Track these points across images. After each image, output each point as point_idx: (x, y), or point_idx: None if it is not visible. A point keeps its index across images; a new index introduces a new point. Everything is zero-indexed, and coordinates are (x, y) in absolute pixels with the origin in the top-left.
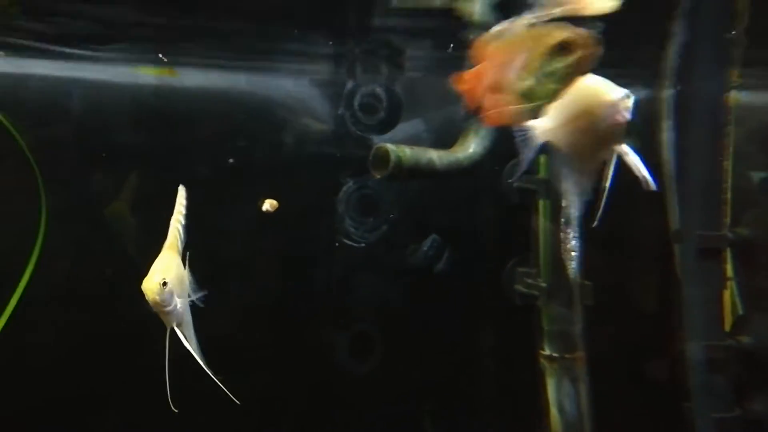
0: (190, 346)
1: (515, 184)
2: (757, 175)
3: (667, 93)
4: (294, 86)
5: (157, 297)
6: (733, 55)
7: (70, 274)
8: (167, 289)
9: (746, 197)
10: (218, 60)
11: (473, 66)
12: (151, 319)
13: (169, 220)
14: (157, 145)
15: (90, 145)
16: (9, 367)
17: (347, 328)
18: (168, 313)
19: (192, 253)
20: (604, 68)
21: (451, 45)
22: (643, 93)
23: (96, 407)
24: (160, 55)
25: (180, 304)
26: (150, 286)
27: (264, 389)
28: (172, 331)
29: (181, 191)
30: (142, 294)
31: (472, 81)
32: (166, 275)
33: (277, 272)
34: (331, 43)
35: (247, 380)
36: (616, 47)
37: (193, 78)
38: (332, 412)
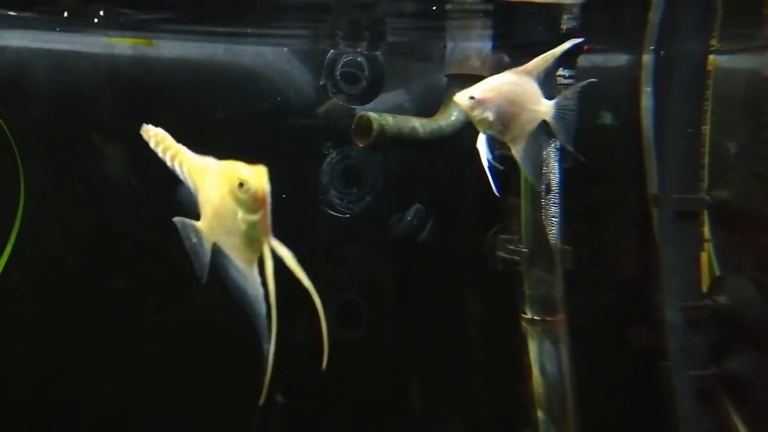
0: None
1: (496, 152)
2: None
3: (648, 59)
4: (273, 55)
5: None
6: (713, 20)
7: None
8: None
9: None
10: (196, 29)
11: None
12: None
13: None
14: (133, 117)
15: (64, 119)
16: None
17: (332, 298)
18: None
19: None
20: (587, 35)
21: (434, 7)
22: (625, 59)
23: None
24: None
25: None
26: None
27: (246, 360)
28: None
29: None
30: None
31: None
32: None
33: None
34: (310, 10)
35: (228, 351)
36: (598, 14)
37: (170, 48)
38: (317, 382)
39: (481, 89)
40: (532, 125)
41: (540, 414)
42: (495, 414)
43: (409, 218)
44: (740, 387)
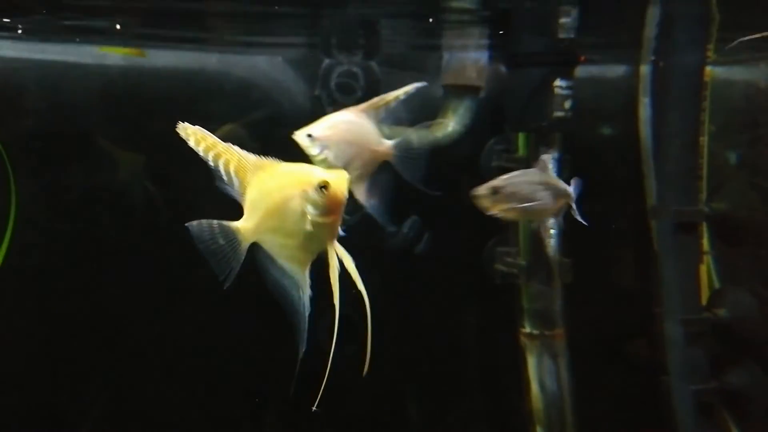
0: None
1: (494, 164)
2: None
3: (646, 70)
4: (268, 65)
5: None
6: (710, 31)
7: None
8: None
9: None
10: (189, 39)
11: None
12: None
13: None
14: (127, 128)
15: (58, 130)
16: None
17: (327, 312)
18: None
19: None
20: (585, 47)
21: (430, 19)
22: (622, 70)
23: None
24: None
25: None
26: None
27: (246, 371)
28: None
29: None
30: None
31: None
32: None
33: (253, 257)
34: (306, 20)
35: (228, 362)
36: (596, 26)
37: (162, 58)
38: (315, 395)
39: (319, 127)
40: (372, 166)
41: (539, 430)
42: (495, 429)
43: (405, 230)
44: (740, 401)
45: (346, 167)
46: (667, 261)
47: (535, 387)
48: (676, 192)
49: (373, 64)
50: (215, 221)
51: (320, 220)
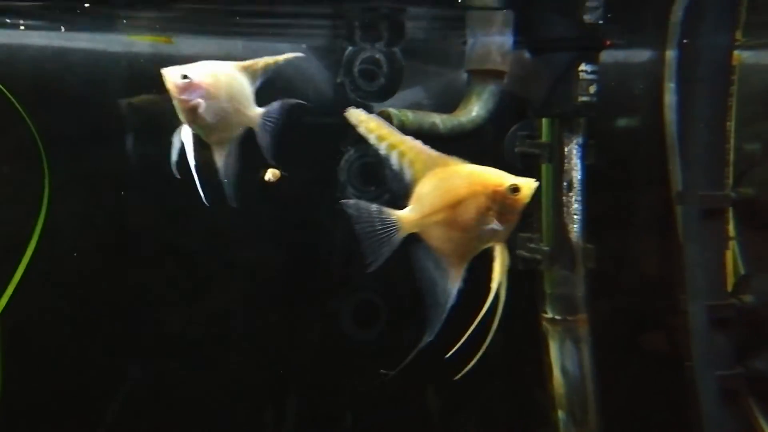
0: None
1: (517, 149)
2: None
3: (671, 55)
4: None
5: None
6: (738, 15)
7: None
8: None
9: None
10: (214, 26)
11: None
12: None
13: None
14: (153, 115)
15: (87, 116)
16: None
17: (351, 297)
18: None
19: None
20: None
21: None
22: (647, 55)
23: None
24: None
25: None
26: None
27: (268, 359)
28: None
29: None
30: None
31: None
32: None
33: (279, 243)
34: (329, 6)
35: (252, 350)
36: (621, 10)
37: (189, 45)
38: (337, 381)
39: (199, 71)
40: (238, 130)
41: (561, 414)
42: (514, 414)
43: None
44: (766, 387)
45: (213, 125)
46: (692, 247)
47: (557, 372)
48: (703, 177)
49: (396, 50)
50: (374, 205)
51: (501, 220)
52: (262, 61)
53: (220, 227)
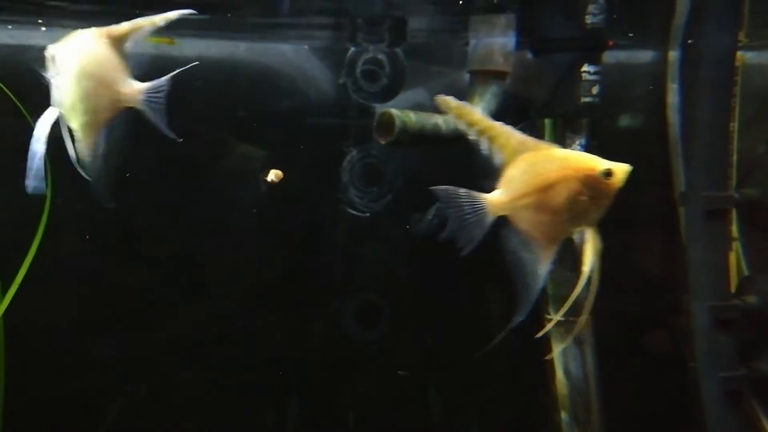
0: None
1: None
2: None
3: (674, 55)
4: (294, 54)
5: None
6: (741, 15)
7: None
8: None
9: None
10: (217, 28)
11: None
12: None
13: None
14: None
15: None
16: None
17: (353, 298)
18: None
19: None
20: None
21: (460, 1)
22: (650, 55)
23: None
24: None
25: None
26: None
27: (271, 359)
28: None
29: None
30: None
31: None
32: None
33: (281, 243)
34: (331, 8)
35: (254, 350)
36: (624, 11)
37: (192, 47)
38: (339, 381)
39: (64, 47)
40: (112, 112)
41: (564, 416)
42: (516, 416)
43: (429, 217)
44: None
45: (80, 105)
46: (695, 247)
47: (560, 373)
48: (706, 178)
49: (398, 51)
50: (462, 189)
51: (594, 203)
52: (135, 26)
53: (220, 227)
